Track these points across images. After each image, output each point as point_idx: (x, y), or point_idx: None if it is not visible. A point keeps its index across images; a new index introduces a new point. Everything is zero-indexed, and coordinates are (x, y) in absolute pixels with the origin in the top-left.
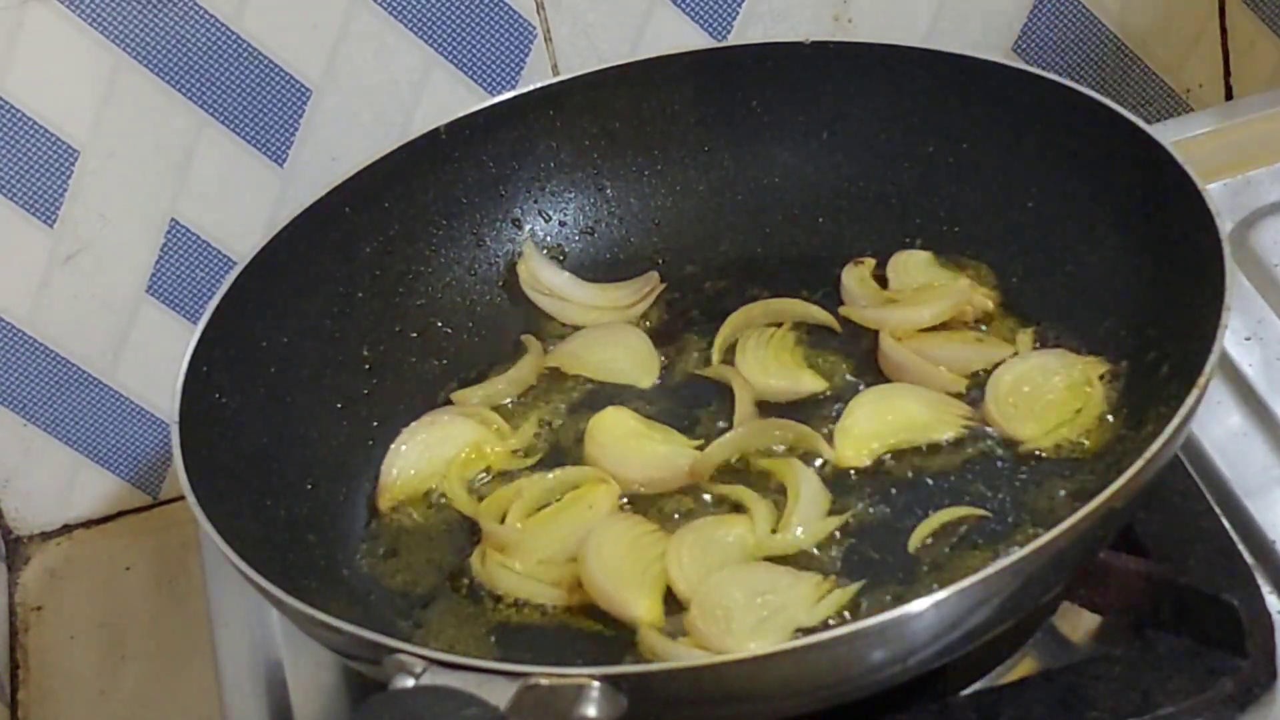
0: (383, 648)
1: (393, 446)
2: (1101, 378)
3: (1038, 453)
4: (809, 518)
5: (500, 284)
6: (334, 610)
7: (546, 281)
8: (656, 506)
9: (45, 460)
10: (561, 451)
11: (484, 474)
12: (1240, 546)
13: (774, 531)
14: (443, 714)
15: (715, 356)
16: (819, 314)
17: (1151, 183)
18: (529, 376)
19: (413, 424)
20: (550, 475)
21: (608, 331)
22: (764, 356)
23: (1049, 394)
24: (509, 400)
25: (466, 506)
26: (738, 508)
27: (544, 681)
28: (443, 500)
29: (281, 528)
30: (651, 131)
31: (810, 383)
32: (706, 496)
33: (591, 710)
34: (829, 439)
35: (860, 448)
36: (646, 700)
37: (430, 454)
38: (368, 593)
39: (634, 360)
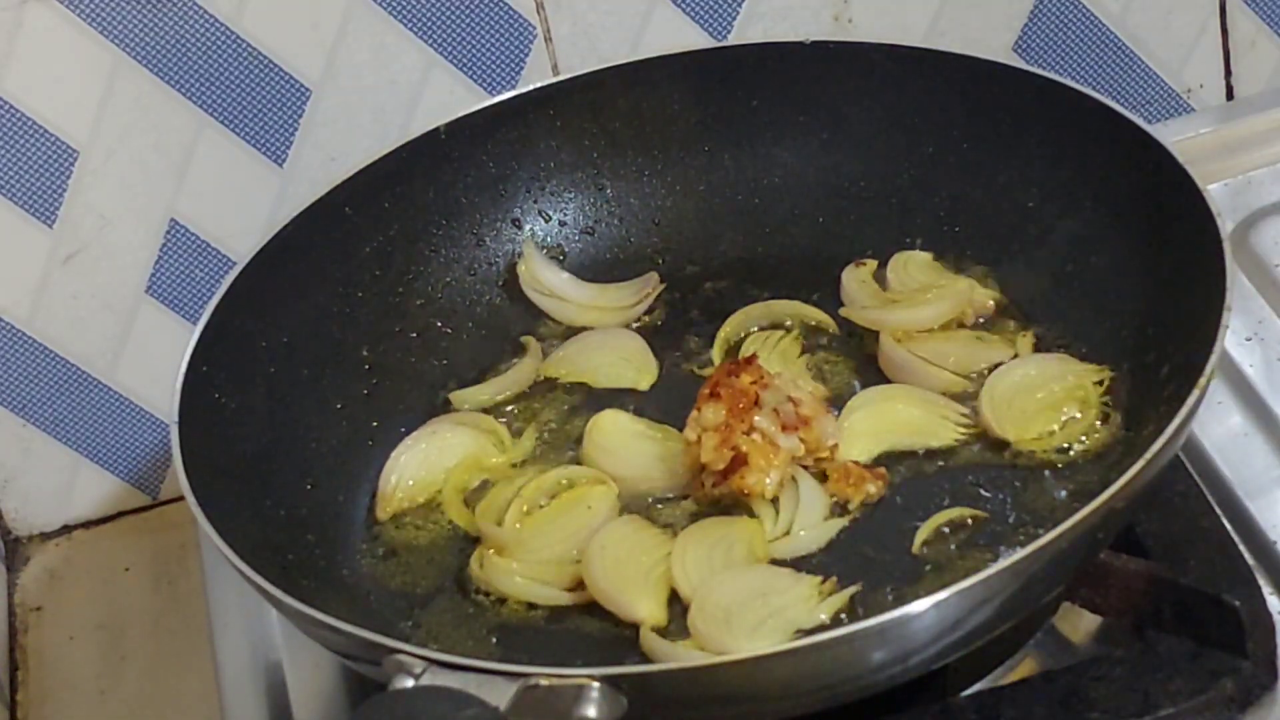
0: (382, 648)
1: (392, 455)
2: (1100, 383)
3: (1037, 454)
4: (810, 521)
5: (500, 284)
6: (334, 611)
7: (546, 281)
8: (657, 508)
9: (45, 460)
10: (561, 457)
11: (483, 483)
12: (1241, 547)
13: (784, 534)
14: (442, 714)
15: (715, 357)
16: (819, 315)
17: (1151, 183)
18: (528, 378)
19: (413, 433)
20: (548, 476)
21: (604, 336)
22: (767, 361)
23: (1047, 397)
24: (508, 403)
25: (463, 519)
26: (735, 509)
27: (544, 682)
28: (441, 509)
29: (281, 528)
30: (651, 131)
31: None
32: (710, 494)
33: (591, 711)
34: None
35: (860, 448)
36: (647, 701)
37: (429, 463)
38: (367, 593)
39: (631, 364)
